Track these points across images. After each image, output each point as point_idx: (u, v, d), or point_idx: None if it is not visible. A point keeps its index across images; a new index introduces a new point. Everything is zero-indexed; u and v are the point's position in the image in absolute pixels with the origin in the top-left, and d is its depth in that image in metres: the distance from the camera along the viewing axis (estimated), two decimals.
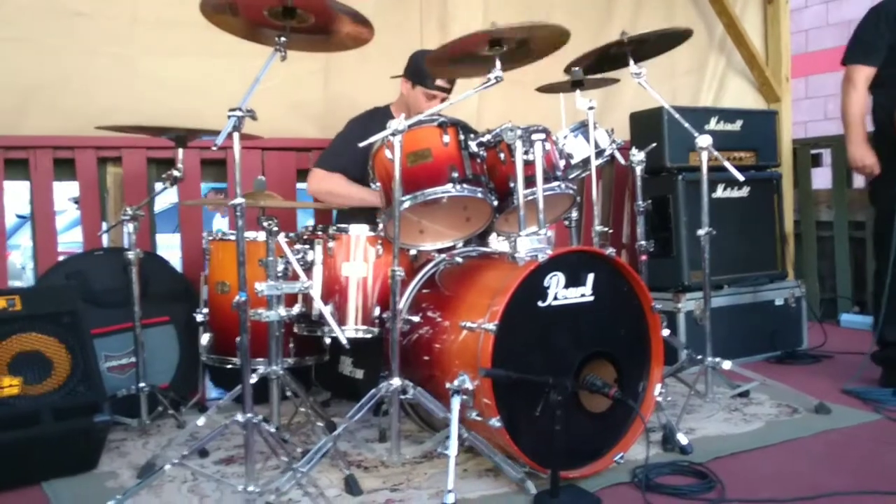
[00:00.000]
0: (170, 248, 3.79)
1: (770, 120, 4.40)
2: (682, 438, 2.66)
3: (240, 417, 2.24)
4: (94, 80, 3.34)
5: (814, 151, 5.31)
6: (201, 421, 2.61)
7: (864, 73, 3.46)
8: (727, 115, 4.16)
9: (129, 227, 2.95)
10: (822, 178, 5.41)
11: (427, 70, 3.12)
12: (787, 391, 3.23)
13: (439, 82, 3.24)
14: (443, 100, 3.30)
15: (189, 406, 3.19)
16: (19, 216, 6.33)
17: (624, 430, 2.52)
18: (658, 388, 2.59)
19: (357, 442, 2.74)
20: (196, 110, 3.38)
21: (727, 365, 3.09)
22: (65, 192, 4.85)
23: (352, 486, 2.36)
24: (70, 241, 5.09)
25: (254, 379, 2.38)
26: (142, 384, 2.98)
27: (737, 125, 4.17)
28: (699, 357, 3.13)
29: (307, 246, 2.79)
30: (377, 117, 3.37)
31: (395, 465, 2.55)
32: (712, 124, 4.06)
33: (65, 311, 2.64)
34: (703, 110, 4.26)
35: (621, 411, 2.50)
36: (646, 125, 4.01)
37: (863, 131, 3.47)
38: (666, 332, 2.70)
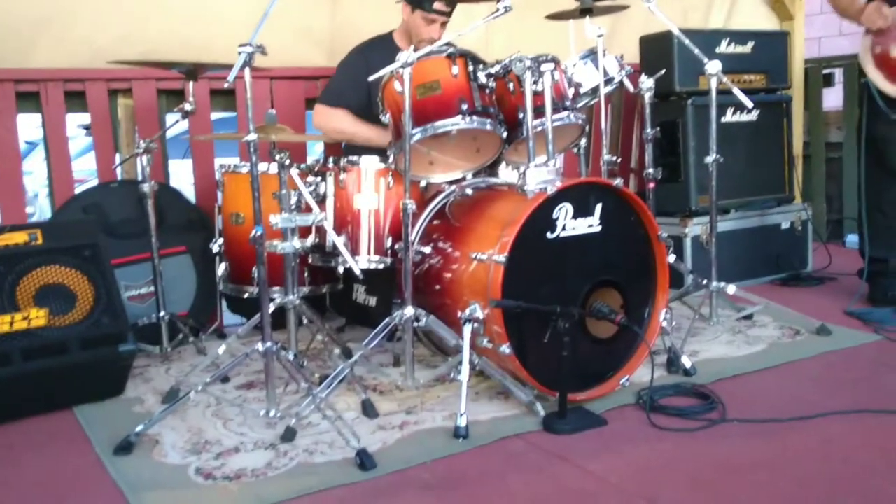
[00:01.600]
0: (177, 174, 3.83)
1: (782, 41, 4.34)
2: (686, 361, 2.75)
3: (260, 346, 2.33)
4: (104, 10, 3.31)
5: (826, 71, 5.25)
6: (222, 349, 2.71)
7: None
8: (738, 37, 4.11)
9: (143, 160, 2.99)
10: (833, 98, 5.36)
11: None
12: (789, 313, 3.31)
13: (437, 5, 3.19)
14: (443, 24, 3.27)
15: (208, 333, 3.30)
16: (28, 142, 6.36)
17: (629, 354, 2.61)
18: (663, 314, 2.66)
19: (372, 367, 2.84)
20: (206, 39, 3.38)
21: (731, 289, 3.16)
22: (76, 120, 4.87)
23: (368, 410, 2.47)
24: (82, 168, 5.12)
25: (271, 308, 2.46)
26: (162, 313, 3.08)
27: (748, 47, 4.12)
28: (704, 281, 3.21)
29: (319, 178, 2.84)
30: (378, 46, 3.37)
31: (409, 388, 2.65)
32: (723, 47, 4.02)
33: (86, 244, 2.71)
34: (713, 33, 4.20)
35: (627, 336, 2.58)
36: (656, 49, 3.97)
37: (860, 5, 3.43)
38: (671, 259, 2.75)
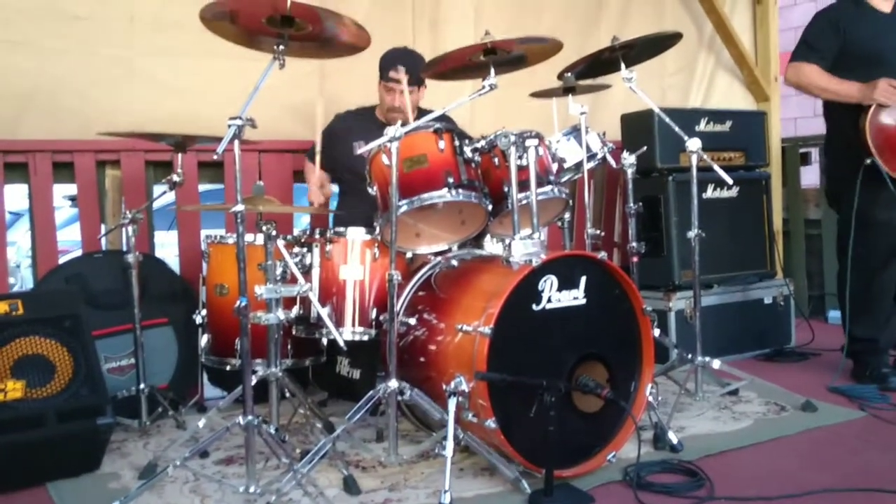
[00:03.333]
0: (162, 245, 3.82)
1: (759, 120, 4.46)
2: (673, 437, 2.72)
3: (241, 420, 2.29)
4: (92, 82, 3.37)
5: (802, 150, 5.37)
6: (202, 422, 2.65)
7: (806, 65, 3.51)
8: (716, 116, 4.22)
9: (129, 231, 2.99)
10: (810, 177, 5.48)
11: (382, 64, 3.31)
12: (774, 389, 3.30)
13: (392, 73, 3.31)
14: (402, 92, 3.34)
15: (188, 406, 3.24)
16: (12, 213, 6.34)
17: (616, 429, 2.58)
18: (649, 388, 2.65)
19: (355, 442, 2.79)
20: (194, 112, 3.42)
21: (717, 364, 3.16)
22: (60, 191, 4.88)
23: (350, 486, 2.41)
24: (66, 238, 5.11)
25: (253, 381, 2.43)
26: (142, 385, 3.02)
27: (726, 126, 4.22)
28: (689, 356, 3.20)
29: (305, 249, 2.84)
30: (359, 115, 3.53)
31: (392, 464, 2.60)
32: (702, 125, 4.12)
33: (67, 314, 2.68)
34: (692, 111, 4.32)
35: (613, 411, 2.56)
36: (636, 126, 4.07)
37: (845, 83, 3.42)
38: (656, 333, 2.76)
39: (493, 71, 2.58)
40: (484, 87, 2.57)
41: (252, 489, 2.28)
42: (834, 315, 5.01)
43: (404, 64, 3.27)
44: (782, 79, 3.72)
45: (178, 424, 3.06)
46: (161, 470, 2.36)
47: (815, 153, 5.35)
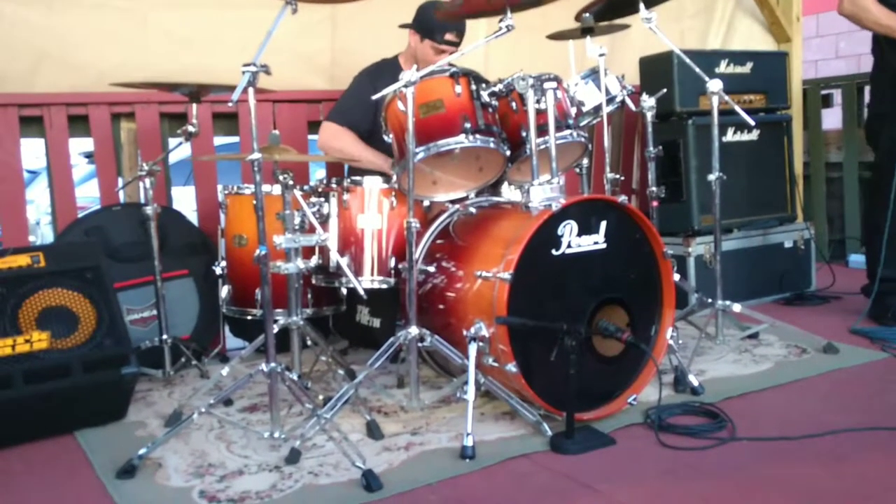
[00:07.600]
0: (179, 201, 3.82)
1: (780, 61, 4.36)
2: (694, 380, 2.73)
3: (264, 367, 2.31)
4: (105, 35, 3.33)
5: (824, 92, 5.27)
6: (225, 371, 2.68)
7: None
8: (737, 57, 4.14)
9: (146, 183, 2.99)
10: (832, 119, 5.39)
11: (436, 24, 3.12)
12: (795, 332, 3.29)
13: (448, 36, 3.20)
14: (451, 54, 3.29)
15: (211, 356, 3.28)
16: (29, 171, 6.36)
17: (637, 372, 2.59)
18: (669, 332, 2.64)
19: (376, 388, 2.82)
20: (207, 63, 3.38)
21: (737, 307, 3.15)
22: (77, 146, 4.88)
23: (374, 431, 2.44)
24: (83, 195, 5.13)
25: (275, 329, 2.44)
26: (164, 336, 3.05)
27: (747, 68, 4.14)
28: (709, 300, 3.19)
29: (322, 199, 2.83)
30: (385, 69, 3.38)
31: (414, 410, 2.62)
32: (722, 67, 4.04)
33: (88, 266, 2.70)
34: (712, 53, 4.23)
35: (634, 355, 2.56)
36: (656, 70, 3.99)
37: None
38: (677, 277, 2.74)
39: (509, 11, 2.52)
40: (500, 29, 2.51)
41: (277, 434, 2.31)
42: (855, 259, 4.96)
43: (458, 28, 3.20)
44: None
45: (202, 374, 3.10)
46: (186, 417, 2.39)
47: (836, 95, 5.26)
